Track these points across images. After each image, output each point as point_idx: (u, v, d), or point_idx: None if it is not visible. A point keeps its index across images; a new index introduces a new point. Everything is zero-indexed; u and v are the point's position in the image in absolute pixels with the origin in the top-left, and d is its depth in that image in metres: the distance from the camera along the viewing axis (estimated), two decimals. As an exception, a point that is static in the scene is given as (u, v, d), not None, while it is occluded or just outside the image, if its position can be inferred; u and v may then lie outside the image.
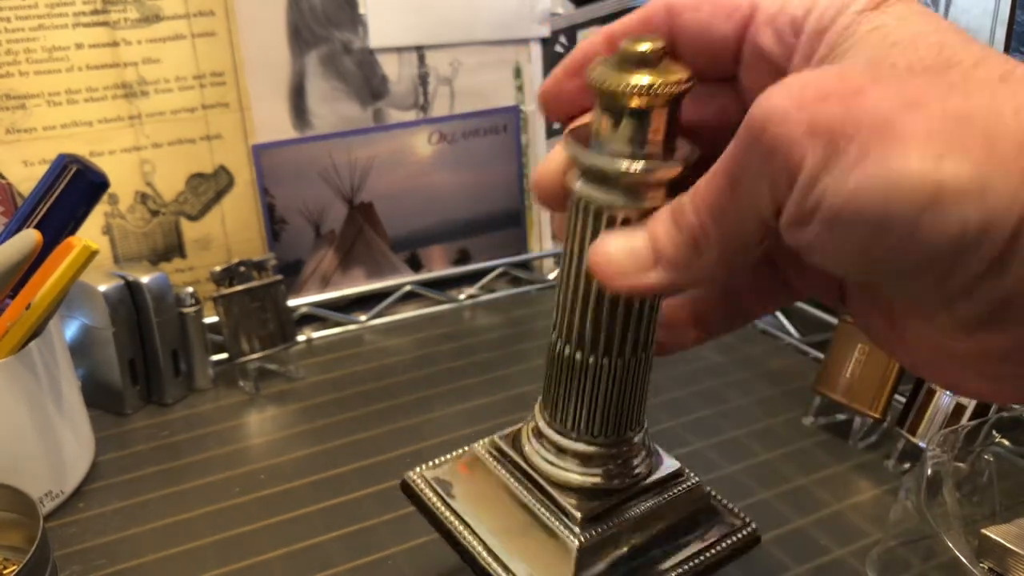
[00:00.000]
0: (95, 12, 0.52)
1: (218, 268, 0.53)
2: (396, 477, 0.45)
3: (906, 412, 0.44)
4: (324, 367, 0.58)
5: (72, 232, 0.43)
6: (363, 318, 0.65)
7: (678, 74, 0.22)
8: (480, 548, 0.30)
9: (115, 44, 0.53)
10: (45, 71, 0.52)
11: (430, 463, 0.34)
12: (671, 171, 0.23)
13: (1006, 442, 0.41)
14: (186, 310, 0.53)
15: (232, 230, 0.60)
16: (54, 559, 0.34)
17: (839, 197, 0.17)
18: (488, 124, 0.67)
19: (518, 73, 0.67)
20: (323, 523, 0.42)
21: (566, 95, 0.26)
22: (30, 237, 0.39)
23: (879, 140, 0.17)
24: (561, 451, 0.29)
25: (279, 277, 0.56)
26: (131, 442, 0.49)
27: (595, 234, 0.24)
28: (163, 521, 0.42)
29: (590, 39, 0.26)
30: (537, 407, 0.30)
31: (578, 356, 0.27)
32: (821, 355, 0.51)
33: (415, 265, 0.68)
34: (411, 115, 0.64)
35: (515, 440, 0.31)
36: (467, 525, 0.31)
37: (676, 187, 0.23)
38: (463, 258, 0.69)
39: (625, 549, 0.29)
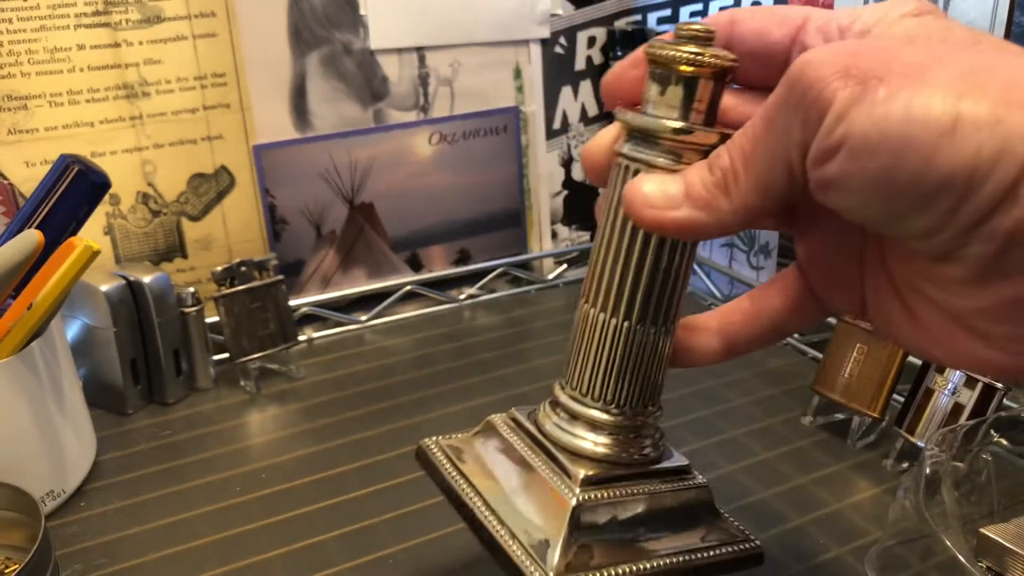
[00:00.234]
0: (97, 13, 0.52)
1: (219, 268, 0.53)
2: (396, 476, 0.45)
3: (904, 411, 0.44)
4: (325, 367, 0.58)
5: (74, 232, 0.43)
6: (364, 318, 0.65)
7: (724, 53, 0.25)
8: (480, 504, 0.30)
9: (116, 45, 0.53)
10: (47, 72, 0.52)
11: (447, 435, 0.34)
12: (710, 136, 0.25)
13: (1004, 441, 0.41)
14: (187, 310, 0.53)
15: (233, 230, 0.60)
16: (55, 558, 0.34)
17: (864, 127, 0.19)
18: (488, 124, 0.67)
19: (518, 74, 0.67)
20: (324, 522, 0.42)
21: (627, 82, 0.28)
22: (32, 237, 0.39)
23: (907, 83, 0.18)
24: (574, 417, 0.30)
25: (280, 277, 0.56)
26: (132, 441, 0.49)
27: None
28: (164, 520, 0.42)
29: (656, 37, 0.28)
30: (556, 384, 0.31)
31: (601, 317, 0.28)
32: (820, 355, 0.51)
33: (415, 265, 0.68)
34: (411, 116, 0.64)
35: (531, 412, 0.32)
36: (471, 485, 0.31)
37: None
38: (463, 258, 0.69)
39: (620, 519, 0.29)
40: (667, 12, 0.68)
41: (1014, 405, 0.43)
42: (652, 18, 0.69)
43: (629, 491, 0.29)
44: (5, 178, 0.52)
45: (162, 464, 0.47)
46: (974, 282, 0.20)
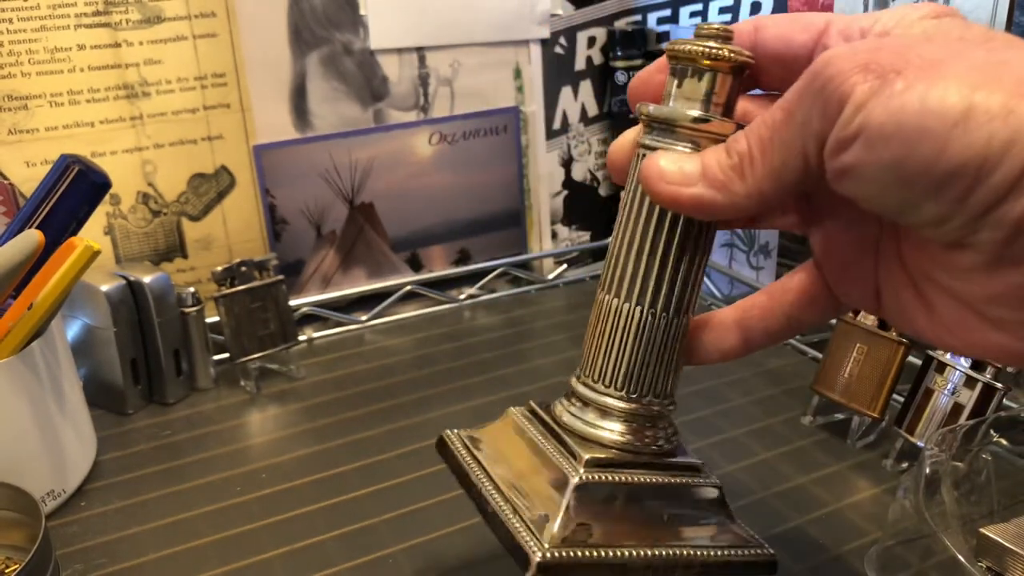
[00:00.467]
0: (97, 13, 0.52)
1: (219, 268, 0.53)
2: (396, 476, 0.45)
3: (904, 411, 0.44)
4: (325, 367, 0.58)
5: (74, 232, 0.43)
6: (364, 318, 0.65)
7: (741, 49, 0.26)
8: (488, 484, 0.30)
9: (117, 45, 0.53)
10: (47, 72, 0.52)
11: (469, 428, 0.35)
12: (727, 126, 0.26)
13: (1004, 441, 0.41)
14: (187, 310, 0.53)
15: (233, 230, 0.60)
16: (56, 558, 0.34)
17: (881, 117, 0.19)
18: (488, 125, 0.67)
19: (518, 74, 0.67)
20: (324, 522, 0.42)
21: (653, 86, 0.29)
22: (32, 237, 0.39)
23: (923, 75, 0.19)
24: (586, 405, 0.30)
25: (280, 277, 0.56)
26: (132, 441, 0.49)
27: None
28: (164, 520, 0.42)
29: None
30: (572, 376, 0.31)
31: (615, 304, 0.29)
32: (820, 355, 0.51)
33: (415, 265, 0.68)
34: (411, 116, 0.64)
35: (549, 405, 0.32)
36: (483, 468, 0.31)
37: None
38: (463, 258, 0.69)
39: (624, 504, 0.29)
40: (667, 12, 0.68)
41: (1014, 405, 0.43)
42: (652, 18, 0.69)
43: (635, 478, 0.29)
44: (5, 178, 0.52)
45: (162, 464, 0.47)
46: (986, 269, 0.20)
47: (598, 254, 0.74)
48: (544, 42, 0.67)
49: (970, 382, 0.42)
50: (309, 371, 0.57)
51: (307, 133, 0.61)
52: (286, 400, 0.54)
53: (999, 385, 0.41)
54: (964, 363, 0.42)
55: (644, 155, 0.27)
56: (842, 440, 0.47)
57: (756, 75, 0.28)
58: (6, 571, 0.36)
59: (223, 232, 0.60)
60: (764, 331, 0.30)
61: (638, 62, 0.69)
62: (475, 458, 0.32)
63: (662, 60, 0.29)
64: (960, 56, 0.19)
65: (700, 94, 0.27)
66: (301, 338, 0.61)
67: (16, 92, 0.52)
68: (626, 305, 0.29)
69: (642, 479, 0.29)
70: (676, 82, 0.27)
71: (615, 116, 0.71)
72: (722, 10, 0.63)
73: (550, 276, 0.72)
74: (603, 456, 0.29)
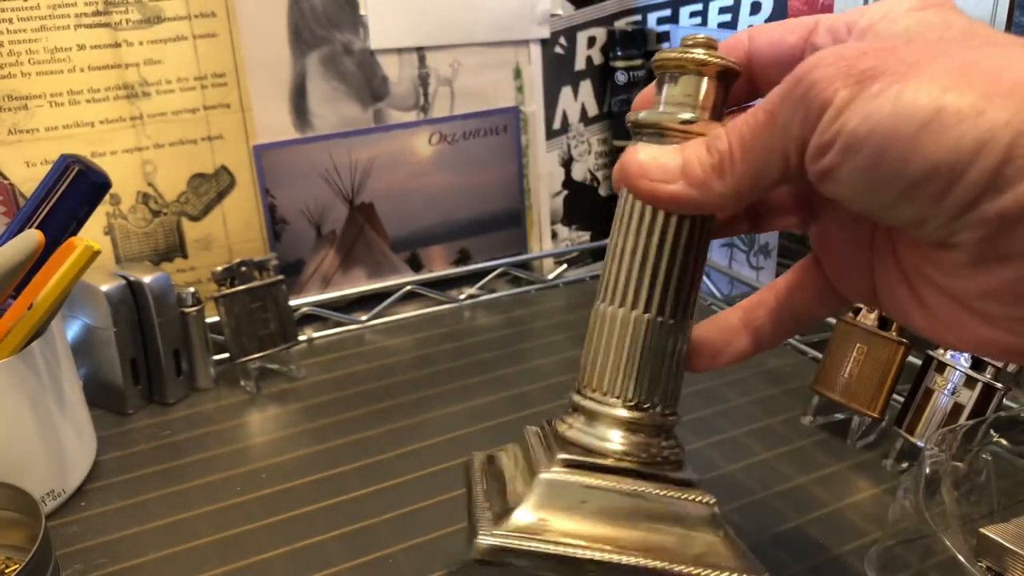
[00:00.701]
0: (97, 13, 0.52)
1: (219, 268, 0.53)
2: (396, 476, 0.45)
3: (904, 411, 0.44)
4: (325, 367, 0.58)
5: (74, 232, 0.43)
6: (364, 318, 0.65)
7: (727, 56, 0.27)
8: (479, 488, 0.31)
9: (117, 45, 0.53)
10: (47, 72, 0.52)
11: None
12: (714, 127, 0.26)
13: (1004, 441, 0.41)
14: (187, 310, 0.53)
15: (233, 230, 0.60)
16: (56, 558, 0.34)
17: (855, 121, 0.20)
18: (488, 125, 0.67)
19: (518, 74, 0.67)
20: (324, 522, 0.42)
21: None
22: (32, 237, 0.39)
23: (899, 78, 0.19)
24: (584, 415, 0.30)
25: (280, 277, 0.56)
26: (132, 441, 0.49)
27: None
28: (164, 520, 0.42)
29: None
30: (573, 389, 0.31)
31: (611, 311, 0.29)
32: (820, 355, 0.51)
33: (415, 265, 0.68)
34: (411, 116, 0.64)
35: (555, 419, 0.32)
36: (483, 476, 0.32)
37: None
38: (463, 258, 0.69)
39: (593, 507, 0.28)
40: (667, 12, 0.68)
41: (1014, 405, 0.43)
42: (652, 18, 0.69)
43: (609, 483, 0.28)
44: (5, 178, 0.52)
45: (162, 464, 0.47)
46: (974, 266, 0.21)
47: (598, 254, 0.75)
48: (544, 42, 0.67)
49: (970, 382, 0.42)
50: (309, 371, 0.57)
51: (307, 133, 0.61)
52: (286, 400, 0.54)
53: (999, 385, 0.41)
54: (964, 363, 0.42)
55: None
56: (842, 440, 0.47)
57: (755, 83, 0.28)
58: (6, 571, 0.36)
59: (223, 232, 0.60)
60: (773, 330, 0.30)
61: (638, 62, 0.69)
62: (482, 468, 0.33)
63: None
64: (938, 56, 0.20)
65: (687, 99, 0.27)
66: (301, 338, 0.61)
67: (16, 92, 0.52)
68: (622, 311, 0.29)
69: (618, 483, 0.28)
70: (663, 90, 0.28)
71: (615, 116, 0.71)
72: (722, 10, 0.63)
73: (550, 276, 0.72)
74: (579, 458, 0.29)
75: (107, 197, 0.55)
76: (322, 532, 0.41)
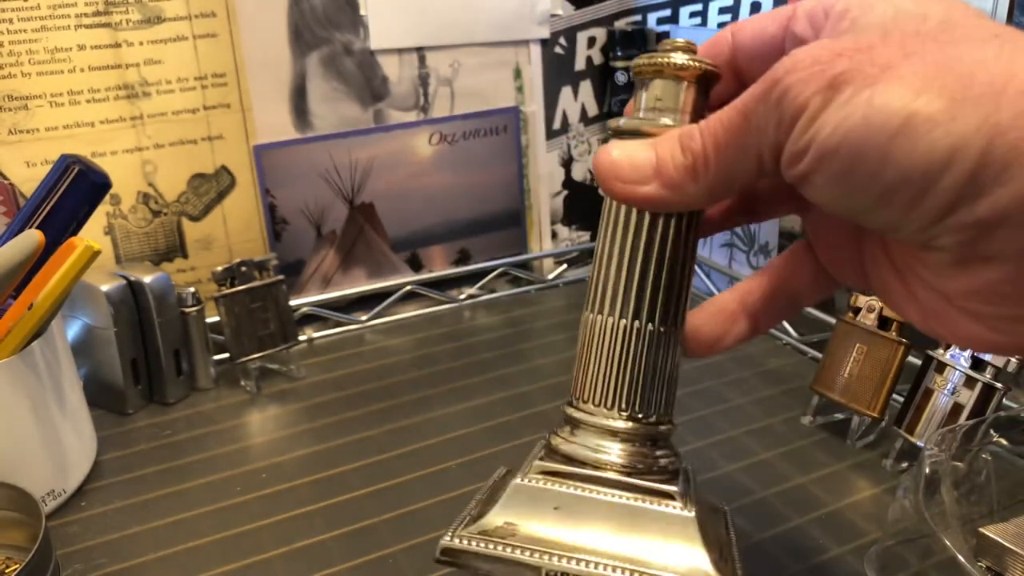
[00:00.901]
0: (97, 13, 0.52)
1: (220, 268, 0.53)
2: (396, 476, 0.45)
3: (904, 411, 0.44)
4: (325, 367, 0.58)
5: (74, 232, 0.43)
6: (364, 318, 0.65)
7: (706, 60, 0.27)
8: (475, 498, 0.31)
9: (117, 45, 0.53)
10: (47, 72, 0.52)
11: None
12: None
13: (1004, 441, 0.41)
14: (188, 310, 0.53)
15: (233, 230, 0.60)
16: (56, 558, 0.34)
17: (827, 131, 0.20)
18: (488, 125, 0.67)
19: (518, 74, 0.67)
20: (324, 522, 0.42)
21: None
22: (32, 237, 0.39)
23: (870, 83, 0.19)
24: (566, 422, 0.30)
25: (280, 277, 0.56)
26: (133, 441, 0.49)
27: None
28: (165, 520, 0.42)
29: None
30: (565, 402, 0.31)
31: (600, 320, 0.29)
32: (820, 355, 0.51)
33: (415, 265, 0.68)
34: (411, 116, 0.64)
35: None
36: (484, 490, 0.32)
37: None
38: (463, 258, 0.69)
39: (564, 514, 0.28)
40: (667, 12, 0.68)
41: (1014, 405, 0.43)
42: (652, 18, 0.69)
43: (585, 490, 0.28)
44: (6, 178, 0.52)
45: (162, 464, 0.47)
46: (956, 266, 0.20)
47: (598, 254, 0.74)
48: (544, 42, 0.67)
49: (970, 382, 0.42)
50: (309, 371, 0.57)
51: (307, 133, 0.61)
52: (286, 400, 0.54)
53: (999, 385, 0.41)
54: (964, 363, 0.42)
55: None
56: (842, 440, 0.48)
57: (742, 78, 0.28)
58: (6, 571, 0.36)
59: (223, 232, 0.60)
60: (769, 313, 0.30)
61: (638, 62, 0.68)
62: (494, 481, 0.32)
63: None
64: (911, 57, 0.19)
65: (666, 104, 0.27)
66: (301, 338, 0.61)
67: (16, 92, 0.52)
68: (610, 320, 0.28)
69: (591, 494, 0.28)
70: (643, 95, 0.27)
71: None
72: (722, 10, 0.63)
73: (550, 276, 0.73)
74: (555, 466, 0.29)
75: (107, 197, 0.54)
76: (322, 532, 0.41)
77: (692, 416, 0.51)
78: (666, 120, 0.27)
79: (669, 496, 0.28)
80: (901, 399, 0.45)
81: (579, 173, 0.72)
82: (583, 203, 0.73)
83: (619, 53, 0.69)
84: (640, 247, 0.28)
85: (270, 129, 0.59)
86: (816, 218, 0.28)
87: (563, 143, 0.71)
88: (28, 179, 0.53)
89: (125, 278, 0.51)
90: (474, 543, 0.27)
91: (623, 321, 0.28)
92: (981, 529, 0.35)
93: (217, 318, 0.54)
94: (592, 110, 0.71)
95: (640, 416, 0.29)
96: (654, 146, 0.25)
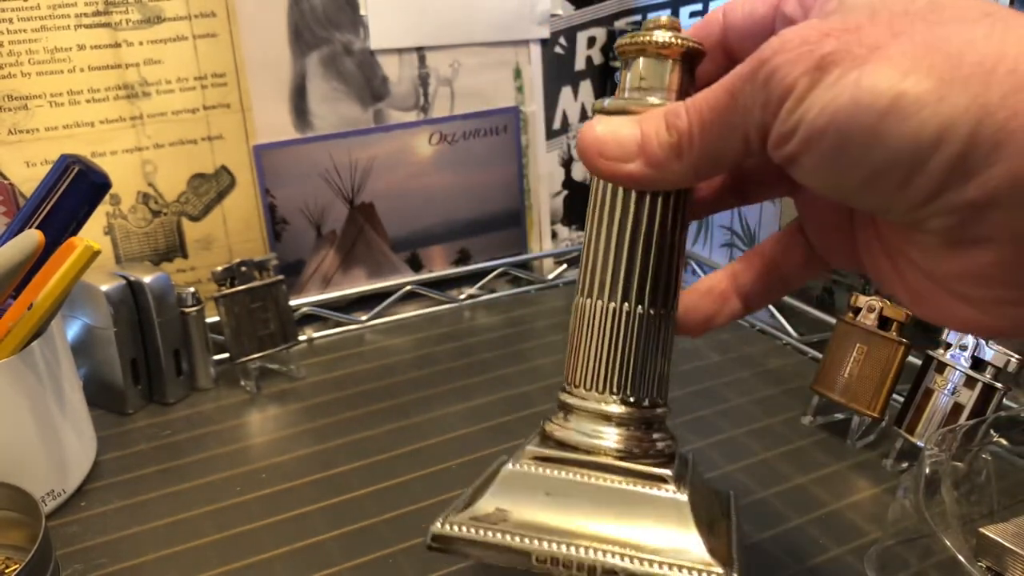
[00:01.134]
0: (97, 13, 0.52)
1: (219, 268, 0.53)
2: (396, 476, 0.45)
3: (904, 411, 0.44)
4: (325, 367, 0.58)
5: (74, 232, 0.43)
6: (364, 318, 0.65)
7: (690, 37, 0.27)
8: (470, 486, 0.31)
9: (117, 45, 0.53)
10: (47, 72, 0.52)
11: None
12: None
13: (1004, 441, 0.41)
14: (188, 310, 0.53)
15: (233, 230, 0.60)
16: (56, 558, 0.34)
17: (815, 112, 0.19)
18: (488, 125, 0.67)
19: (518, 74, 0.67)
20: (324, 522, 0.42)
21: None
22: (32, 237, 0.39)
23: (859, 64, 0.19)
24: (561, 407, 0.30)
25: (280, 277, 0.56)
26: (133, 441, 0.49)
27: None
28: (164, 520, 0.42)
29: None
30: (559, 388, 0.31)
31: (588, 303, 0.29)
32: (820, 355, 0.51)
33: (415, 265, 0.68)
34: (412, 116, 0.64)
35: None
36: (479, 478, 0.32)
37: None
38: (463, 258, 0.69)
39: (556, 499, 0.28)
40: (667, 12, 0.68)
41: (1014, 405, 0.43)
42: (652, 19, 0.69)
43: (577, 475, 0.28)
44: (5, 178, 0.52)
45: (162, 464, 0.47)
46: (947, 248, 0.20)
47: (598, 254, 0.74)
48: (544, 42, 0.67)
49: (970, 382, 0.42)
50: (309, 371, 0.57)
51: (307, 133, 0.61)
52: (286, 400, 0.54)
53: (999, 385, 0.41)
54: (964, 363, 0.42)
55: None
56: (842, 440, 0.47)
57: (733, 57, 0.28)
58: (6, 571, 0.36)
59: (223, 232, 0.60)
60: (761, 293, 0.30)
61: (638, 62, 0.68)
62: (489, 470, 0.32)
63: None
64: (899, 37, 0.19)
65: (651, 83, 0.27)
66: (301, 338, 0.61)
67: (16, 92, 0.52)
68: (599, 303, 0.28)
69: (583, 479, 0.28)
70: (628, 75, 0.27)
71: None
72: (722, 10, 0.63)
73: (550, 276, 0.73)
74: (547, 452, 0.29)
75: (107, 197, 0.55)
76: (322, 532, 0.41)
77: (692, 416, 0.51)
78: (651, 99, 0.26)
79: (662, 479, 0.28)
80: (901, 399, 0.45)
81: (579, 173, 0.72)
82: (583, 203, 0.73)
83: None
84: (627, 228, 0.27)
85: (270, 129, 0.59)
86: (806, 200, 0.28)
87: (563, 143, 0.71)
88: (28, 179, 0.53)
89: (125, 278, 0.51)
90: (464, 529, 0.27)
91: (612, 304, 0.28)
92: (981, 529, 0.35)
93: (217, 318, 0.54)
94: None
95: (633, 400, 0.29)
96: (639, 123, 0.25)
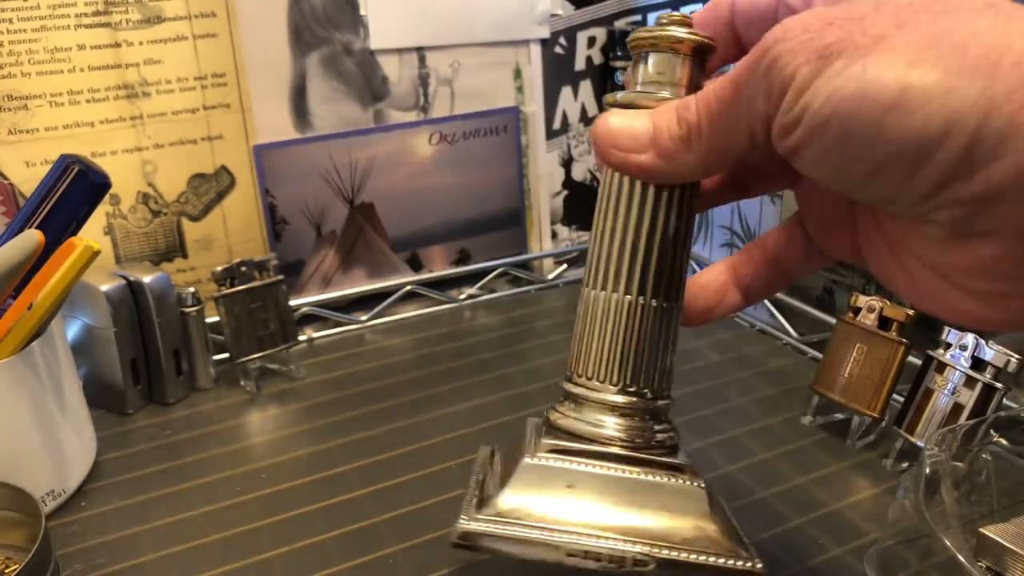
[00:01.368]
0: (97, 13, 0.52)
1: (219, 268, 0.53)
2: (396, 476, 0.45)
3: (904, 411, 0.44)
4: (325, 367, 0.58)
5: (74, 232, 0.43)
6: (364, 318, 0.65)
7: (702, 32, 0.27)
8: (474, 481, 0.31)
9: (117, 45, 0.53)
10: (47, 72, 0.52)
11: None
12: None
13: (1004, 441, 0.41)
14: (187, 310, 0.53)
15: (233, 230, 0.60)
16: (56, 558, 0.34)
17: (818, 103, 0.19)
18: (488, 125, 0.67)
19: (518, 74, 0.67)
20: (324, 522, 0.42)
21: None
22: (32, 237, 0.39)
23: (863, 54, 0.18)
24: (574, 402, 0.30)
25: (280, 277, 0.56)
26: (133, 441, 0.49)
27: None
28: (164, 520, 0.42)
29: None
30: (564, 378, 0.31)
31: (594, 295, 0.29)
32: (820, 355, 0.51)
33: (415, 265, 0.68)
34: (411, 116, 0.64)
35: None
36: (478, 471, 0.32)
37: None
38: (463, 258, 0.69)
39: (578, 492, 0.28)
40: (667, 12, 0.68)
41: (1014, 405, 0.43)
42: (652, 18, 0.69)
43: (595, 468, 0.28)
44: (5, 178, 0.52)
45: (162, 464, 0.47)
46: (952, 241, 0.20)
47: (598, 254, 0.74)
48: (544, 42, 0.67)
49: (970, 382, 0.42)
50: (309, 371, 0.57)
51: (307, 133, 0.61)
52: (286, 400, 0.54)
53: (999, 385, 0.41)
54: (964, 363, 0.42)
55: None
56: (842, 440, 0.47)
57: (740, 43, 0.28)
58: (6, 571, 0.36)
59: (223, 232, 0.60)
60: (762, 285, 0.30)
61: (638, 62, 0.68)
62: (484, 462, 0.33)
63: None
64: (904, 27, 0.19)
65: (663, 77, 0.27)
66: (301, 338, 0.61)
67: (16, 92, 0.52)
68: (604, 294, 0.29)
69: (603, 470, 0.28)
70: (640, 69, 0.28)
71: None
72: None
73: (550, 276, 0.72)
74: (564, 443, 0.29)
75: (107, 197, 0.55)
76: (322, 532, 0.41)
77: (692, 416, 0.51)
78: (663, 93, 0.27)
79: (678, 469, 0.29)
80: (901, 399, 0.45)
81: (579, 173, 0.72)
82: (583, 203, 0.73)
83: (619, 53, 0.69)
84: (637, 221, 0.28)
85: (270, 129, 0.59)
86: (806, 192, 0.28)
87: (563, 143, 0.71)
88: (28, 179, 0.53)
89: (125, 278, 0.51)
90: (492, 525, 0.27)
91: (615, 295, 0.28)
92: (981, 529, 0.35)
93: (217, 318, 0.54)
94: (592, 110, 0.71)
95: (639, 390, 0.29)
96: (652, 116, 0.25)
